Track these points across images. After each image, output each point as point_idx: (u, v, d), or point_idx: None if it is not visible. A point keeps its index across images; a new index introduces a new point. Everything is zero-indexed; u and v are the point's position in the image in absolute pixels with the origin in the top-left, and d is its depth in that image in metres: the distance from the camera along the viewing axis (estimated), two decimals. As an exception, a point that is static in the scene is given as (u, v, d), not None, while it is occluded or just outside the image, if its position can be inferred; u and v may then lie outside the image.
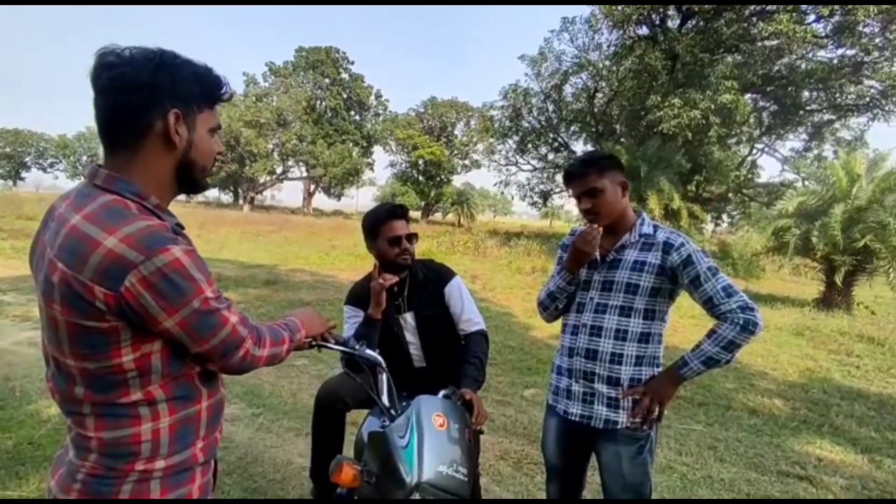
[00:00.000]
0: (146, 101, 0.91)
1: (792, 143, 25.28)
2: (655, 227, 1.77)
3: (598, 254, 1.78)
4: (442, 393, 1.69)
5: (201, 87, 0.97)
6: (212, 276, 0.95)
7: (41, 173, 68.32)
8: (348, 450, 2.12)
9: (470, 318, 2.15)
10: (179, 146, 0.95)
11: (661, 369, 1.75)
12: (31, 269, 0.97)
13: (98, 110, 0.92)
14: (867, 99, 18.31)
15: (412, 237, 2.10)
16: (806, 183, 14.50)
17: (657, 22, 19.97)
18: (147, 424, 0.93)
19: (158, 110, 0.91)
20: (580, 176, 1.73)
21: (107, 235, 0.84)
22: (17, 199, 24.05)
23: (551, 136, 27.33)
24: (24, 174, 66.36)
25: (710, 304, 1.62)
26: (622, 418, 1.71)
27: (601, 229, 1.72)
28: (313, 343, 1.42)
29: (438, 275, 2.22)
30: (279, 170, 49.37)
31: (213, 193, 56.78)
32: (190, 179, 1.00)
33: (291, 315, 1.29)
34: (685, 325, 7.43)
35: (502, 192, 33.30)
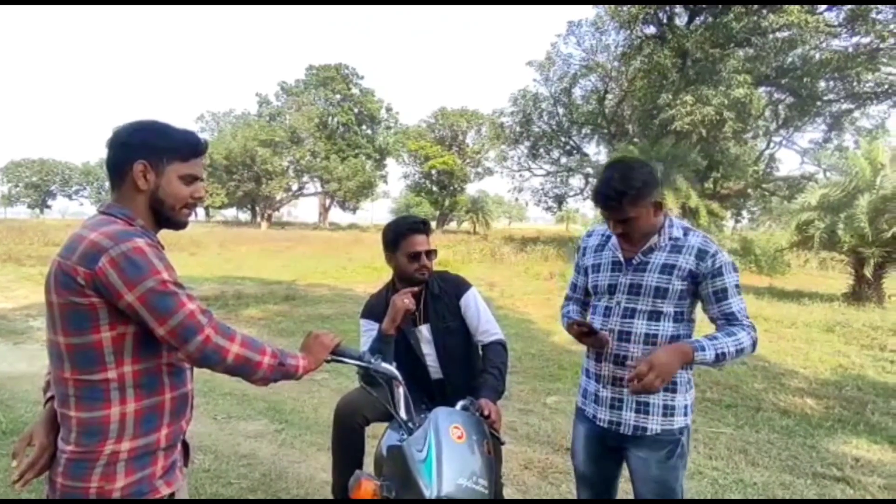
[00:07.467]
0: (123, 155, 1.19)
1: (811, 134, 24.70)
2: (686, 230, 1.72)
3: (623, 256, 1.74)
4: (460, 404, 1.68)
5: (168, 144, 1.20)
6: (175, 272, 1.14)
7: (67, 200, 70.12)
8: (370, 464, 2.11)
9: (487, 329, 2.13)
10: (147, 188, 1.19)
11: (692, 371, 1.71)
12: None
13: (106, 160, 1.24)
14: (886, 86, 17.82)
15: (431, 253, 2.10)
16: (827, 174, 14.22)
17: (664, 20, 19.85)
18: (116, 408, 1.11)
19: (130, 162, 1.18)
20: (614, 209, 1.64)
21: (90, 233, 1.09)
22: (44, 226, 24.83)
23: (563, 139, 27.24)
24: (50, 202, 68.05)
25: (729, 318, 1.62)
26: (651, 424, 1.67)
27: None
28: (327, 358, 1.42)
29: (454, 286, 2.21)
30: (295, 186, 50.07)
31: (231, 212, 57.76)
32: (162, 214, 1.23)
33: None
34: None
35: (516, 199, 33.29)
